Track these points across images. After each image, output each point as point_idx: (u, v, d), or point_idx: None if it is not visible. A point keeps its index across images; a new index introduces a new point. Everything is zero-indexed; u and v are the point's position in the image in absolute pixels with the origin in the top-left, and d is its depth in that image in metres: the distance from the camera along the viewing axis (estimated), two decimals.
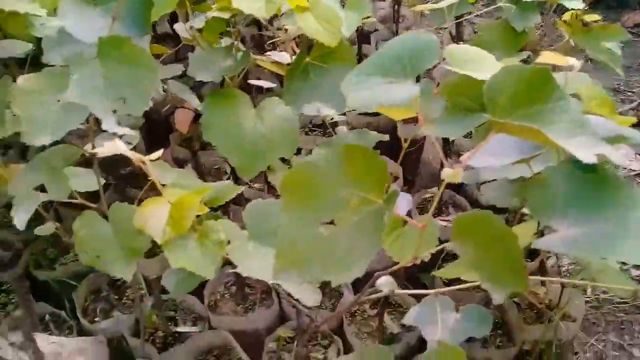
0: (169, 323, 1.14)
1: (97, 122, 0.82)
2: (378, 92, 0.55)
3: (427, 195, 1.35)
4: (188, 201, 0.67)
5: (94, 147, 0.85)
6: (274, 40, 1.03)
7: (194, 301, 1.19)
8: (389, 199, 0.52)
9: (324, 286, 1.19)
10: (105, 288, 1.20)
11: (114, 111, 0.70)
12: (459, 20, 1.10)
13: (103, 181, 0.92)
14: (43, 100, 0.76)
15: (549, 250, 0.66)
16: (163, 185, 0.74)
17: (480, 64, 0.65)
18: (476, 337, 1.01)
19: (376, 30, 2.07)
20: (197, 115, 1.36)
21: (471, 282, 0.71)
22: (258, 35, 1.38)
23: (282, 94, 0.79)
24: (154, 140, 1.50)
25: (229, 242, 0.70)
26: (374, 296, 0.74)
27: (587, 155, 0.45)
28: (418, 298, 0.78)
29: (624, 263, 1.42)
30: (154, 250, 1.32)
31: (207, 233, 0.69)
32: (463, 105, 0.73)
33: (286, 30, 0.99)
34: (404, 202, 0.88)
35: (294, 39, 0.84)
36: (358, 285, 0.98)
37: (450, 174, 0.55)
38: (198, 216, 0.71)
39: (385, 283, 0.75)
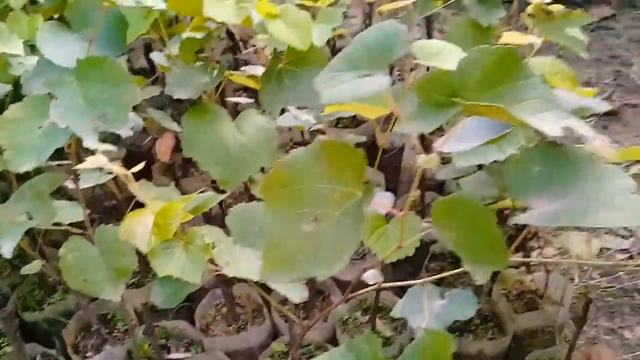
0: (162, 351, 1.13)
1: (79, 144, 0.84)
2: (350, 86, 0.55)
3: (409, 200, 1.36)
4: (172, 208, 0.69)
5: (76, 167, 0.87)
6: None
7: (185, 326, 1.18)
8: (367, 190, 0.52)
9: (315, 300, 1.19)
10: (96, 323, 1.18)
11: (96, 129, 0.73)
12: (429, 14, 1.13)
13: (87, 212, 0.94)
14: (25, 127, 0.77)
15: (529, 224, 0.67)
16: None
17: (448, 56, 0.68)
18: (468, 330, 1.02)
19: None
20: (178, 144, 1.39)
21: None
22: (234, 60, 1.43)
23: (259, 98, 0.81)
24: (136, 173, 1.52)
25: (214, 246, 0.71)
26: (364, 291, 0.75)
27: (552, 128, 0.46)
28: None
29: (607, 248, 1.46)
30: (142, 282, 1.33)
31: (192, 239, 0.70)
32: (434, 100, 0.76)
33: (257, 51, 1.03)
34: (385, 201, 0.90)
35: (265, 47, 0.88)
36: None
37: (426, 160, 0.57)
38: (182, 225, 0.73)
39: (371, 276, 0.76)
